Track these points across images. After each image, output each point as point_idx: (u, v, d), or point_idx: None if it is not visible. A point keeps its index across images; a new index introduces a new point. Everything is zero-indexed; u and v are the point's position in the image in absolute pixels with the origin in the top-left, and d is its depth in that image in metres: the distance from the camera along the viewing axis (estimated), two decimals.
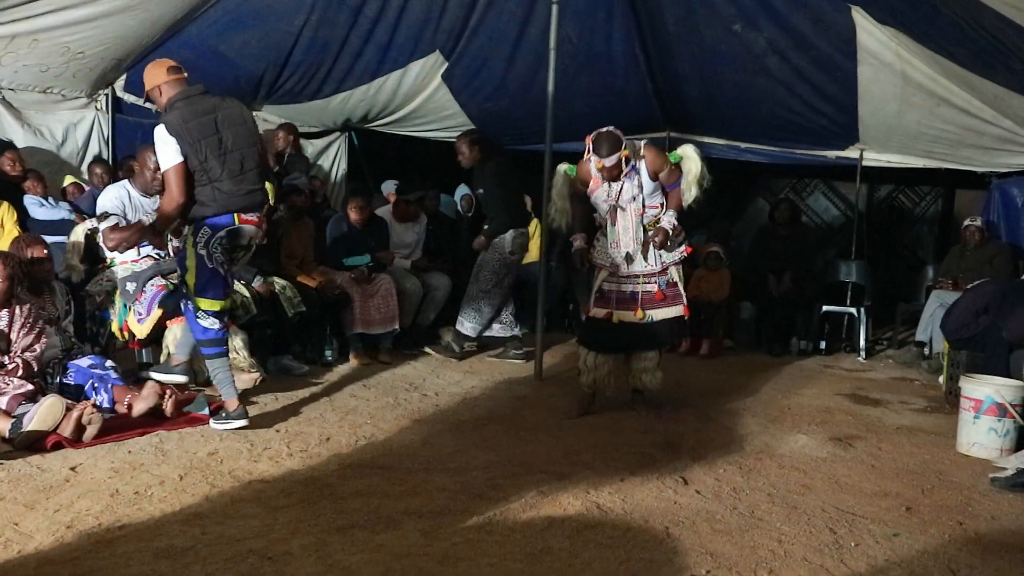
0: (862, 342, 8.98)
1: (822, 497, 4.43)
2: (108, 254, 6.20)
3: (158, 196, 6.06)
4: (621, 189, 5.64)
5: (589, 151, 5.56)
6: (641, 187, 5.64)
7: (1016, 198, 8.68)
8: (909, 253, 11.00)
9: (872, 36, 7.29)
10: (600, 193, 5.73)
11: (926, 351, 8.33)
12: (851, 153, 9.58)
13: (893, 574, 3.55)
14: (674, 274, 5.81)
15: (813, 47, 7.79)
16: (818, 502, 4.35)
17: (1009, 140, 7.98)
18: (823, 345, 9.11)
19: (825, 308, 9.28)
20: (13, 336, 4.95)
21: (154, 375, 5.67)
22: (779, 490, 4.51)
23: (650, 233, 5.69)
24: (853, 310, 9.30)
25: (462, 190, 10.31)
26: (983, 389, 5.39)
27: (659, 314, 5.75)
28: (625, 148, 5.51)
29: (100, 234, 6.16)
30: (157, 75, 5.15)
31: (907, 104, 8.01)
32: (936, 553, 3.79)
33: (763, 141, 9.99)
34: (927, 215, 11.36)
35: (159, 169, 5.29)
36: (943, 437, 5.63)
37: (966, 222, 8.80)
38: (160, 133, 4.96)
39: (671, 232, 5.67)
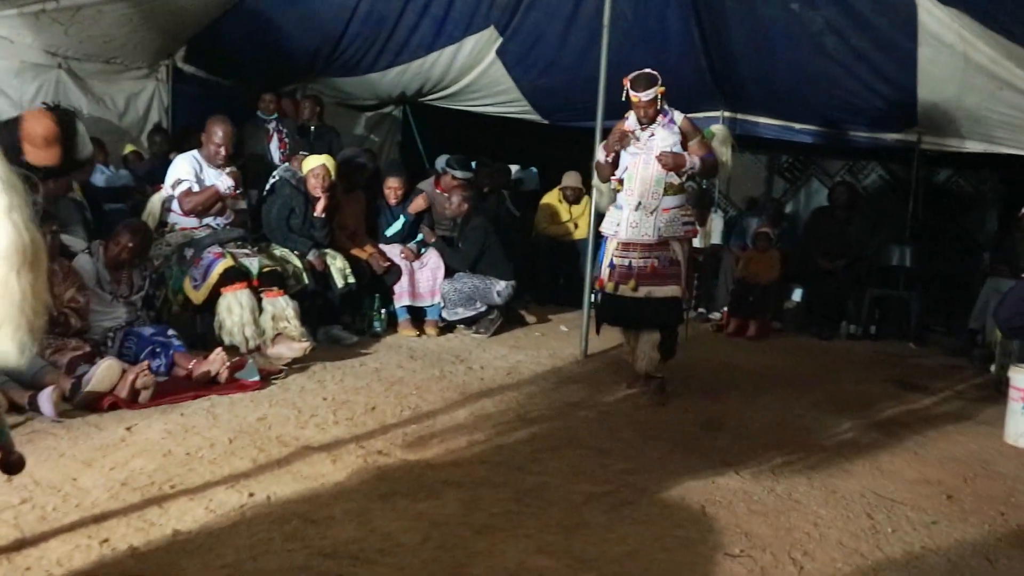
0: (912, 328, 8.92)
1: (862, 482, 4.42)
2: (171, 219, 6.35)
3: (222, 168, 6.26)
4: (654, 136, 5.63)
5: (627, 92, 5.57)
6: (672, 146, 5.62)
7: None
8: (967, 239, 10.83)
9: (933, 16, 7.16)
10: (632, 148, 5.69)
11: (978, 339, 8.23)
12: (909, 136, 9.45)
13: (929, 561, 3.55)
14: (677, 251, 5.65)
15: (872, 27, 7.69)
16: (857, 487, 4.34)
17: None
18: (873, 330, 9.02)
19: (876, 292, 9.20)
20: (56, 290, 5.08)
21: None
22: (819, 473, 4.50)
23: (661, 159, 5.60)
24: (905, 295, 9.21)
25: (526, 171, 10.39)
26: None
27: (656, 291, 5.59)
28: (662, 86, 5.52)
29: (175, 200, 6.31)
30: None
31: (968, 87, 7.88)
32: (975, 543, 3.77)
33: (818, 122, 9.88)
34: (987, 201, 11.17)
35: (223, 144, 5.39)
36: (991, 427, 5.57)
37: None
38: None
39: (682, 163, 5.58)
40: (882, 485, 4.40)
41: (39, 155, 5.39)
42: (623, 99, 5.62)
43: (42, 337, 1.97)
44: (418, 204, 7.86)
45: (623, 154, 5.74)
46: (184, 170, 6.36)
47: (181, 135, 7.95)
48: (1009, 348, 6.56)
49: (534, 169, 10.73)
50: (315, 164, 7.07)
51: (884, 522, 3.91)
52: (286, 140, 8.23)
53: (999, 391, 6.26)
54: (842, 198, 9.44)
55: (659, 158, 5.56)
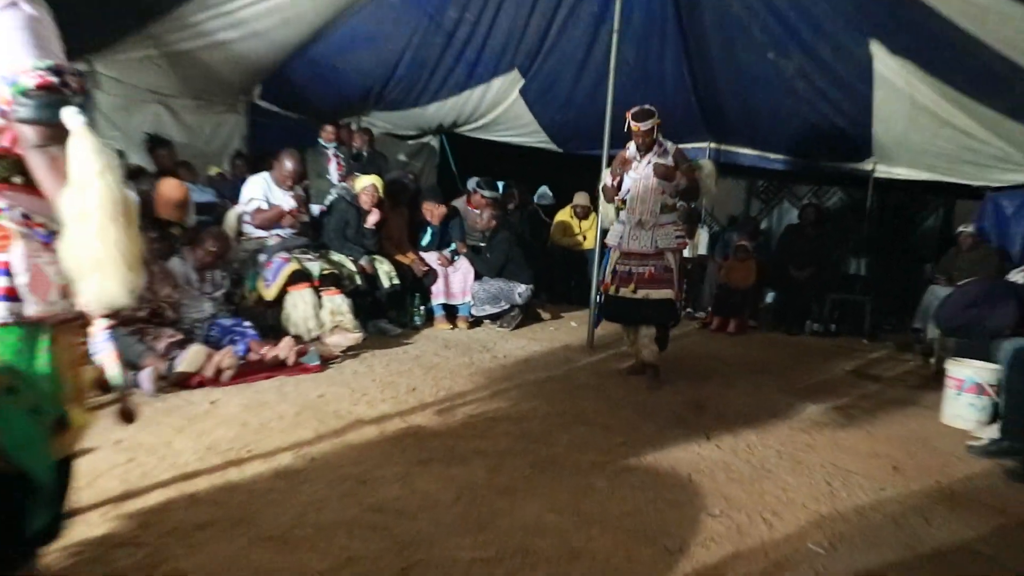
0: (866, 326, 8.91)
1: (822, 455, 4.43)
2: (246, 230, 6.40)
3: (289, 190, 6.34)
4: (651, 163, 5.66)
5: (628, 123, 5.62)
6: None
7: (1006, 208, 8.50)
8: (912, 252, 10.78)
9: (886, 65, 7.19)
10: (632, 173, 5.74)
11: (921, 336, 8.22)
12: (865, 165, 9.43)
13: (875, 519, 3.56)
14: (671, 260, 5.66)
15: (835, 73, 7.72)
16: (819, 459, 4.36)
17: (1002, 159, 7.81)
18: (833, 328, 9.02)
19: (836, 296, 9.19)
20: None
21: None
22: (786, 448, 4.52)
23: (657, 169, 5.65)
24: (861, 299, 9.19)
25: (543, 190, 10.40)
26: (966, 371, 5.37)
27: (652, 294, 5.63)
28: (658, 119, 5.60)
29: (248, 215, 6.37)
30: None
31: (915, 124, 7.88)
32: (916, 506, 3.78)
33: (790, 152, 9.88)
34: (930, 220, 11.13)
35: (290, 175, 5.53)
36: (930, 410, 5.59)
37: (960, 228, 8.67)
38: None
39: (672, 174, 5.61)
40: (839, 458, 4.41)
41: (169, 213, 5.53)
42: (625, 130, 5.67)
43: (140, 294, 1.95)
44: (441, 212, 7.90)
45: (625, 178, 5.77)
46: (255, 191, 6.40)
47: (257, 159, 8.01)
48: (946, 344, 6.56)
49: (547, 189, 10.72)
50: (366, 183, 7.16)
51: (840, 488, 3.92)
52: (343, 164, 8.26)
53: (937, 380, 6.26)
54: (811, 217, 9.46)
55: (655, 166, 5.61)
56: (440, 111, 9.93)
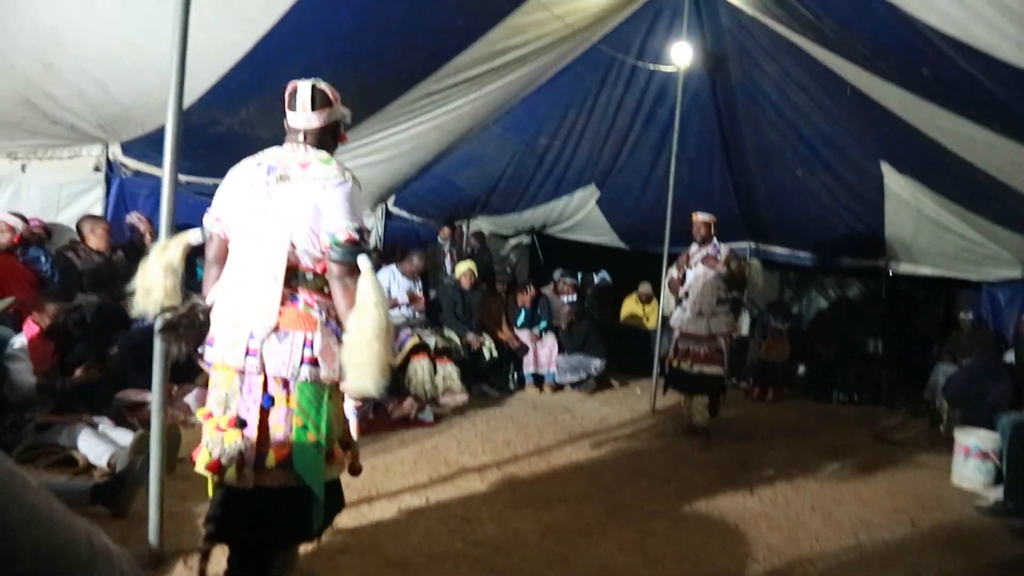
0: (883, 396, 8.55)
1: (849, 510, 4.26)
2: None
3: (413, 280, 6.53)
4: (706, 257, 5.72)
5: (693, 218, 5.83)
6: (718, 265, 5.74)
7: (1000, 298, 8.22)
8: (921, 333, 10.35)
9: (895, 182, 7.10)
10: (693, 270, 5.78)
11: (932, 406, 7.84)
12: (879, 262, 9.19)
13: (897, 568, 3.41)
14: (722, 343, 5.67)
15: (852, 187, 7.63)
16: (846, 513, 4.19)
17: (994, 258, 7.59)
18: (856, 397, 8.68)
19: (858, 370, 8.87)
20: None
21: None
22: (818, 502, 4.36)
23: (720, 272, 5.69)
24: (878, 372, 8.84)
25: (603, 274, 10.43)
26: (972, 439, 5.10)
27: (706, 370, 5.62)
28: (713, 218, 5.79)
29: None
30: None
31: (921, 230, 7.69)
32: (931, 556, 3.62)
33: (816, 250, 9.71)
34: (934, 307, 10.71)
35: (414, 271, 5.75)
36: (941, 472, 5.29)
37: (961, 315, 8.35)
38: None
39: (728, 274, 5.66)
40: (864, 512, 4.24)
41: None
42: (689, 227, 5.84)
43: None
44: (531, 297, 7.95)
45: (688, 273, 5.83)
46: (383, 281, 6.57)
47: (389, 252, 8.22)
48: (954, 414, 6.26)
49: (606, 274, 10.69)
50: (464, 268, 7.39)
51: (866, 539, 3.77)
52: (456, 258, 8.43)
53: (947, 444, 5.96)
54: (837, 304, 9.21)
55: (705, 258, 5.71)
56: (532, 216, 10.06)
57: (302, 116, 2.44)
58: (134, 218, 5.62)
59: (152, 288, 2.40)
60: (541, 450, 5.05)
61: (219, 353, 2.36)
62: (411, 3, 4.90)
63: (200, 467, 2.36)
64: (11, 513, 0.69)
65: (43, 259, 5.29)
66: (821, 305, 10.56)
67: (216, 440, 2.33)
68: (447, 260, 8.41)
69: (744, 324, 10.07)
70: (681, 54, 6.30)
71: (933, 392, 7.64)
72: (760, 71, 6.69)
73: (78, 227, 5.32)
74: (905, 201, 7.28)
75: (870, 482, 4.93)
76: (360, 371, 2.19)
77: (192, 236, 2.51)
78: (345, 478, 2.55)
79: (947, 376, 6.66)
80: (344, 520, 3.32)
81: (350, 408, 2.55)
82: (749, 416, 7.02)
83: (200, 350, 2.46)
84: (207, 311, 2.43)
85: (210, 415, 2.41)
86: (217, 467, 2.30)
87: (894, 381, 8.80)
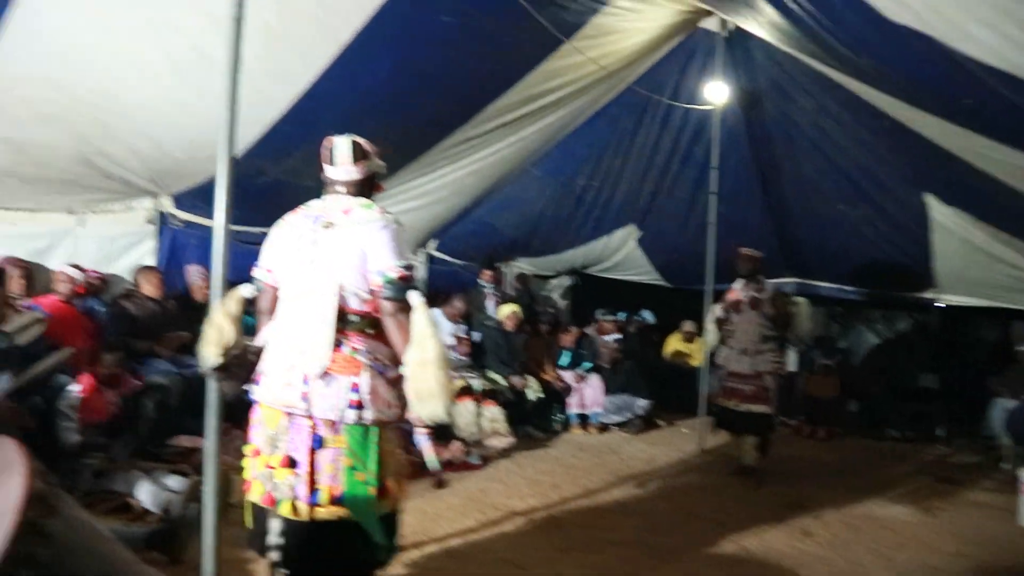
0: (938, 432, 8.27)
1: (911, 554, 4.11)
2: None
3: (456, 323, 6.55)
4: (752, 299, 5.72)
5: (737, 252, 5.95)
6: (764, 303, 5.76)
7: None
8: (974, 367, 10.02)
9: (941, 213, 6.93)
10: (737, 309, 5.78)
11: (992, 443, 7.56)
12: (928, 294, 8.96)
13: None
14: (768, 381, 5.61)
15: (895, 220, 7.46)
16: (907, 557, 4.05)
17: None
18: (910, 433, 8.40)
19: (912, 406, 8.61)
20: None
21: None
22: (878, 545, 4.21)
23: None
24: (932, 408, 8.58)
25: (645, 313, 10.36)
26: None
27: (753, 408, 5.55)
28: (760, 253, 5.92)
29: None
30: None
31: (969, 261, 7.47)
32: None
33: (861, 284, 9.51)
34: (986, 339, 10.39)
35: (456, 313, 5.78)
36: (1006, 512, 5.06)
37: (1018, 347, 8.06)
38: None
39: (774, 314, 5.70)
40: (927, 556, 4.09)
41: None
42: (732, 263, 5.92)
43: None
44: (574, 337, 7.95)
45: (734, 316, 5.81)
46: None
47: (432, 297, 8.27)
48: (1018, 451, 6.02)
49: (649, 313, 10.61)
50: (508, 311, 7.45)
51: None
52: (498, 300, 8.46)
53: (1011, 484, 5.74)
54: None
55: (751, 299, 5.71)
56: (573, 256, 10.06)
57: (342, 169, 2.61)
58: (195, 274, 5.76)
59: (218, 339, 2.52)
60: (589, 492, 4.99)
61: (269, 393, 2.49)
62: (448, 54, 5.02)
63: (255, 497, 2.49)
64: (91, 568, 0.72)
65: (100, 308, 5.45)
66: (869, 339, 10.31)
67: (267, 475, 2.46)
68: (490, 304, 8.45)
69: (792, 360, 9.89)
70: (716, 93, 6.35)
71: (992, 428, 7.39)
72: (795, 106, 6.67)
73: (133, 277, 5.50)
74: (952, 232, 7.11)
75: (931, 524, 4.75)
76: (427, 398, 2.35)
77: (245, 290, 2.65)
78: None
79: (1008, 411, 6.43)
80: (394, 568, 3.32)
81: (422, 436, 2.81)
82: (800, 455, 6.85)
83: (246, 387, 2.58)
84: (258, 352, 2.57)
85: (258, 452, 2.51)
86: (272, 501, 2.44)
87: (949, 417, 8.54)
